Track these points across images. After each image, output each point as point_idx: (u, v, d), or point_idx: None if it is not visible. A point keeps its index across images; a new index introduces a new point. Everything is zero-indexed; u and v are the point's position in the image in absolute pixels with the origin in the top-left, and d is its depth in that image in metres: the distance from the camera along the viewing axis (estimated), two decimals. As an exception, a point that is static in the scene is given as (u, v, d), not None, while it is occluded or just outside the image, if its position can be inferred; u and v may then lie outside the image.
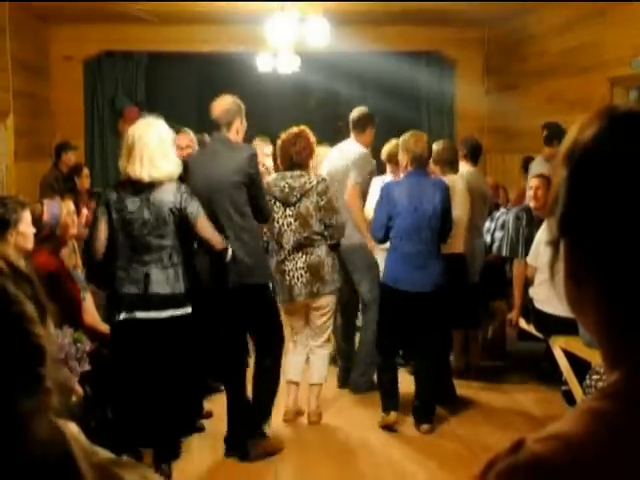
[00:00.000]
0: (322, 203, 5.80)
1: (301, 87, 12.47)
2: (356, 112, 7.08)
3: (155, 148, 4.71)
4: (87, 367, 4.07)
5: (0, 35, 8.99)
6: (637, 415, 0.98)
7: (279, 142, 6.01)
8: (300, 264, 5.82)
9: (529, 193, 6.96)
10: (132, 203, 4.74)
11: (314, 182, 5.82)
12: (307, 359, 6.17)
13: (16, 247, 4.29)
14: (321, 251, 5.85)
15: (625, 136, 1.04)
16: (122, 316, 4.75)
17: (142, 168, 4.67)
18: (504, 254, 7.02)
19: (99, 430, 4.65)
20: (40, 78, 10.82)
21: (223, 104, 5.37)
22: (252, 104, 11.72)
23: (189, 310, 4.85)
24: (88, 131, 11.68)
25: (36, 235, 4.76)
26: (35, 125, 10.39)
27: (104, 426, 4.70)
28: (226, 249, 5.02)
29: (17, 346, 1.02)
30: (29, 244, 4.40)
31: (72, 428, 2.61)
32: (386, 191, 5.93)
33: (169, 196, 4.75)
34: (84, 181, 8.97)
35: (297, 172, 5.84)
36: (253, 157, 5.28)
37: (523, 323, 6.75)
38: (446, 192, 5.92)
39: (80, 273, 5.98)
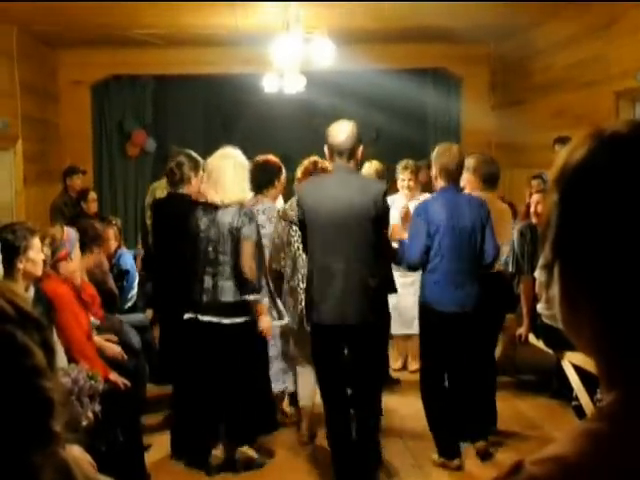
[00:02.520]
0: None
1: (307, 107, 12.51)
2: None
3: (229, 176, 5.43)
4: (98, 407, 4.09)
5: (8, 61, 9.07)
6: (633, 438, 0.97)
7: (301, 168, 6.12)
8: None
9: (532, 209, 6.96)
10: (203, 223, 5.46)
11: None
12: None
13: (25, 274, 4.32)
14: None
15: (613, 157, 1.04)
16: (188, 316, 5.46)
17: (216, 193, 5.41)
18: (510, 270, 7.01)
19: (109, 454, 4.67)
20: (48, 103, 10.90)
21: (347, 130, 5.12)
22: (258, 124, 11.86)
23: (249, 318, 5.42)
24: (96, 154, 11.76)
25: (52, 255, 4.90)
26: (44, 150, 10.46)
27: (114, 450, 4.71)
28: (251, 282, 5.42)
29: (28, 401, 1.03)
30: (38, 271, 4.43)
31: (75, 451, 2.61)
32: (423, 209, 5.66)
33: (229, 217, 5.38)
34: (91, 205, 9.01)
35: None
36: (385, 192, 5.20)
37: (532, 338, 6.75)
38: (485, 209, 5.71)
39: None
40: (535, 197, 7.04)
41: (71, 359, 4.85)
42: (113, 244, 7.20)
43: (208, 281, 5.41)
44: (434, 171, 5.75)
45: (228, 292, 5.38)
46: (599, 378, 1.08)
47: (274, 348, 6.22)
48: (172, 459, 5.66)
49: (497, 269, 7.00)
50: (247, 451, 5.55)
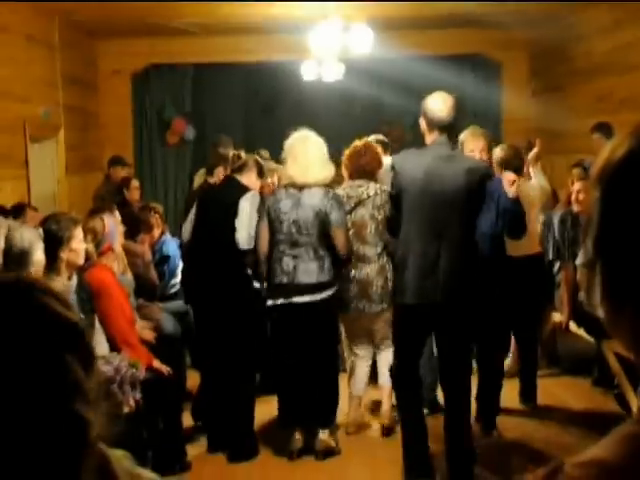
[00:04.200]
0: (379, 216, 5.76)
1: (346, 94, 12.48)
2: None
3: (313, 156, 5.45)
4: (139, 395, 4.14)
5: (50, 51, 9.15)
6: None
7: (347, 153, 6.07)
8: (349, 276, 5.77)
9: (572, 197, 6.92)
10: (285, 205, 5.42)
11: (372, 192, 5.79)
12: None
13: (68, 264, 4.37)
14: (371, 269, 5.78)
15: None
16: (271, 302, 5.48)
17: (301, 175, 5.40)
18: (550, 258, 6.98)
19: (150, 440, 4.74)
20: (89, 92, 10.97)
21: (449, 103, 4.80)
22: (297, 112, 11.84)
23: (330, 293, 5.42)
24: (137, 143, 11.82)
25: (97, 248, 4.98)
26: (85, 139, 10.54)
27: (156, 437, 4.78)
28: (350, 260, 5.57)
29: (62, 423, 1.06)
30: (81, 260, 4.49)
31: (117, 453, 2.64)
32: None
33: (316, 200, 5.38)
34: (134, 193, 9.06)
35: (357, 182, 5.86)
36: (490, 176, 5.00)
37: (573, 326, 6.70)
38: None
39: (130, 277, 6.11)
40: (577, 185, 6.97)
41: (114, 346, 4.92)
42: (156, 231, 7.25)
43: (288, 263, 5.41)
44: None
45: (311, 274, 5.38)
46: None
47: None
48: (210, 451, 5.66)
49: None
50: (327, 438, 5.57)
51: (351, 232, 5.71)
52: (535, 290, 6.41)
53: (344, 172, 6.14)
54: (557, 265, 7.05)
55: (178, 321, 6.63)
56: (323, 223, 5.38)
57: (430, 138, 4.84)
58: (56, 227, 4.37)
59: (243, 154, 5.94)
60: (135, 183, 9.23)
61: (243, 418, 5.51)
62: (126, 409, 4.07)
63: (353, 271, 5.76)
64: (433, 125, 4.76)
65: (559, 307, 6.95)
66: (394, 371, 5.10)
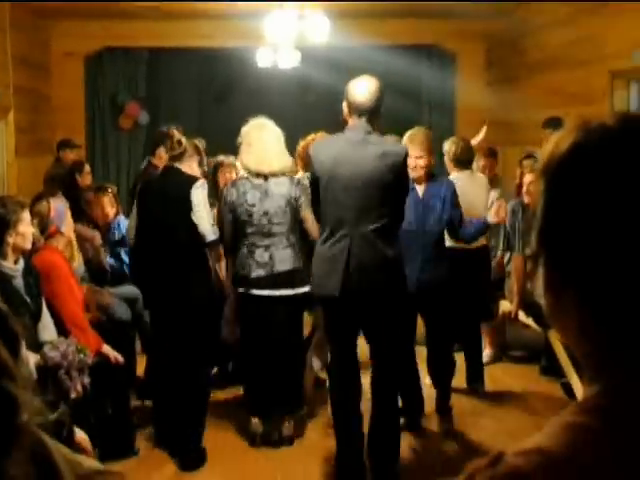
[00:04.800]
0: None
1: (302, 82, 12.45)
2: None
3: (273, 144, 5.41)
4: (87, 380, 4.10)
5: (0, 32, 9.00)
6: (618, 431, 0.97)
7: (302, 144, 6.11)
8: None
9: (524, 189, 6.98)
10: (252, 196, 5.35)
11: None
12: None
13: (15, 247, 4.31)
14: None
15: (599, 149, 1.04)
16: (250, 293, 5.40)
17: (263, 164, 5.34)
18: (501, 248, 7.07)
19: (99, 426, 4.70)
20: (41, 74, 10.83)
21: (370, 88, 4.68)
22: (252, 99, 11.79)
23: (307, 288, 5.29)
24: (89, 127, 11.70)
25: (42, 232, 4.92)
26: (36, 121, 10.41)
27: (104, 422, 4.74)
28: None
29: None
30: (28, 244, 4.43)
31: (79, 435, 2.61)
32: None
33: (285, 188, 5.37)
34: (85, 178, 8.95)
35: None
36: (406, 156, 4.81)
37: (522, 316, 6.77)
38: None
39: (76, 266, 6.03)
40: (528, 177, 7.06)
41: (63, 330, 4.87)
42: (110, 211, 7.16)
43: (262, 254, 5.38)
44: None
45: (287, 261, 5.38)
46: (583, 369, 1.08)
47: None
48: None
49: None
50: (288, 425, 5.56)
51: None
52: (479, 281, 6.57)
53: (299, 163, 6.12)
54: (507, 256, 7.12)
55: (129, 306, 6.58)
56: (294, 209, 5.41)
57: (350, 122, 4.72)
58: (3, 210, 4.31)
59: (184, 140, 5.61)
60: (88, 168, 9.13)
61: (193, 418, 5.33)
62: (73, 394, 4.02)
63: None
64: (352, 109, 4.66)
65: (509, 296, 7.01)
66: (329, 366, 5.07)
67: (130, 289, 6.59)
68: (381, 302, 4.68)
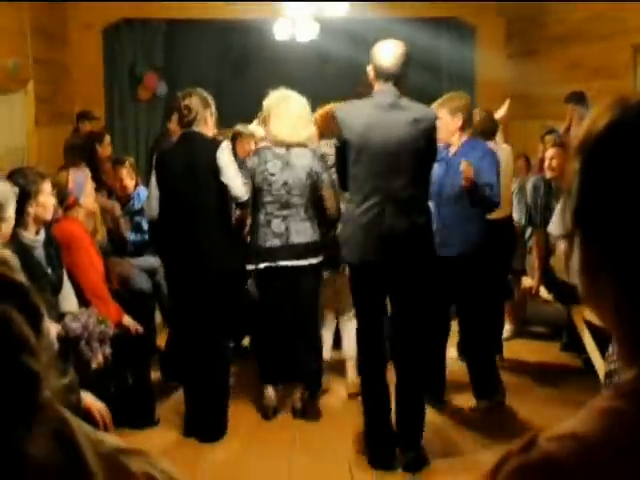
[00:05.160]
0: None
1: (320, 55, 12.37)
2: None
3: (298, 114, 5.36)
4: (108, 350, 4.09)
5: (18, 3, 8.96)
6: None
7: (320, 113, 5.94)
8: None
9: (546, 163, 6.91)
10: (273, 166, 5.30)
11: None
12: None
13: (36, 218, 4.30)
14: None
15: (637, 126, 1.01)
16: (264, 265, 5.35)
17: (286, 133, 5.29)
18: (522, 223, 7.01)
19: (119, 395, 4.71)
20: (59, 46, 10.78)
21: (396, 52, 4.59)
22: (269, 71, 11.73)
23: (321, 258, 5.42)
24: (108, 98, 11.66)
25: (61, 203, 4.90)
26: (55, 92, 10.37)
27: (124, 392, 4.75)
28: (337, 221, 5.41)
29: (8, 379, 1.00)
30: (48, 215, 4.42)
31: (88, 399, 2.61)
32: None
33: (307, 161, 5.32)
34: (106, 149, 8.92)
35: (333, 140, 5.54)
36: (436, 122, 4.79)
37: (544, 292, 6.73)
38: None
39: (99, 239, 6.03)
40: (550, 151, 6.99)
41: (84, 300, 4.87)
42: (129, 183, 7.12)
43: (279, 224, 5.33)
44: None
45: (304, 233, 5.34)
46: (618, 353, 1.05)
47: None
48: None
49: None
50: (302, 396, 5.56)
51: None
52: (503, 252, 6.46)
53: (316, 131, 6.05)
54: (529, 231, 7.07)
55: (149, 277, 6.58)
56: (314, 184, 5.34)
57: (376, 87, 4.64)
58: (23, 181, 4.30)
59: (194, 103, 5.26)
60: (107, 139, 9.10)
61: (216, 391, 5.27)
62: (94, 365, 4.03)
63: (333, 232, 5.66)
64: (379, 74, 4.57)
65: (530, 272, 6.97)
66: (358, 333, 4.97)
67: (150, 260, 6.57)
68: (411, 270, 4.64)
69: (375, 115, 4.54)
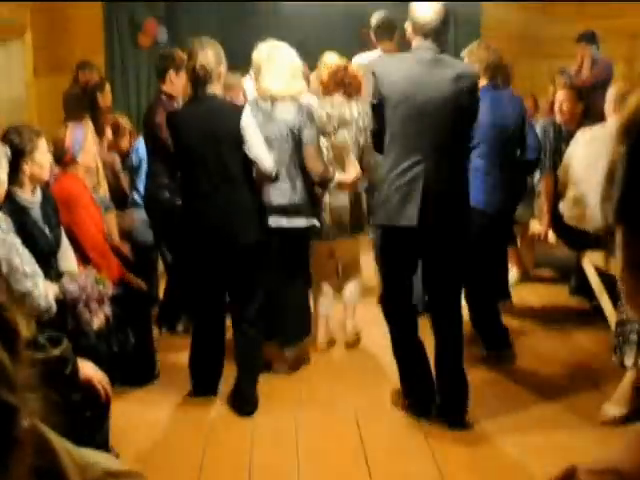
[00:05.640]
0: (362, 140, 5.49)
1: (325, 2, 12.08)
2: (377, 18, 6.85)
3: (288, 66, 5.11)
4: (107, 309, 4.01)
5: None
6: None
7: (327, 71, 5.68)
8: (330, 200, 5.49)
9: (556, 106, 6.77)
10: (257, 119, 4.94)
11: (356, 113, 5.51)
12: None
13: (32, 177, 4.21)
14: (349, 196, 5.52)
15: None
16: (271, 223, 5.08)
17: (273, 85, 5.05)
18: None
19: (121, 354, 4.66)
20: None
21: (436, 7, 4.37)
22: (274, 20, 11.50)
23: (314, 223, 5.21)
24: (108, 45, 11.46)
25: (58, 160, 4.80)
26: (54, 40, 10.18)
27: (127, 351, 4.70)
28: (327, 181, 5.23)
29: None
30: (45, 173, 4.32)
31: (88, 369, 2.53)
32: None
33: (290, 116, 5.04)
34: (107, 98, 8.79)
35: (338, 99, 5.55)
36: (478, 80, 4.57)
37: (552, 237, 6.63)
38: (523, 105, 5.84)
39: (102, 194, 5.94)
40: (560, 94, 6.88)
41: (85, 258, 4.80)
42: (125, 140, 7.00)
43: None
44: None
45: (283, 194, 5.08)
46: None
47: None
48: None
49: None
50: (296, 350, 5.49)
51: (331, 155, 5.47)
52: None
53: (319, 84, 5.83)
54: (537, 175, 6.94)
55: (151, 227, 6.50)
56: (296, 140, 5.07)
57: (414, 43, 4.44)
58: (18, 139, 4.18)
59: (208, 58, 4.75)
60: (107, 88, 8.96)
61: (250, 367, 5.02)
62: (95, 326, 3.96)
63: (328, 197, 5.49)
64: (417, 29, 4.36)
65: (538, 216, 6.87)
66: (383, 299, 4.78)
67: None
68: (448, 234, 4.45)
69: (417, 71, 4.32)
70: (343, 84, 5.56)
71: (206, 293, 4.91)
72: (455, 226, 4.44)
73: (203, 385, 5.02)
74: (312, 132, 5.10)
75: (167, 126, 4.94)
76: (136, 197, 6.77)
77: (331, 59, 5.95)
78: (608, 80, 9.08)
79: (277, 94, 5.08)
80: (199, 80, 4.76)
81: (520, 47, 10.75)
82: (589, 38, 9.27)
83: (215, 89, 4.81)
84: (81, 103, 8.58)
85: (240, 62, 6.37)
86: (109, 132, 6.55)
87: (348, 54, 6.58)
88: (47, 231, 4.27)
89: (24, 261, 3.66)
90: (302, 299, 5.59)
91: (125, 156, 6.96)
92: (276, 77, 5.08)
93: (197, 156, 4.73)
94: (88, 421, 2.96)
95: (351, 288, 5.92)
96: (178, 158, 4.89)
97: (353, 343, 5.89)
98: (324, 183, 5.27)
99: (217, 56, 4.80)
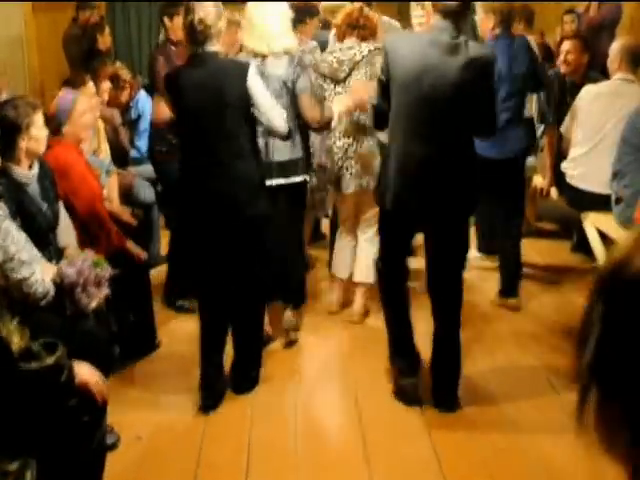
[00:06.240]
0: (382, 76, 4.88)
1: None
2: None
3: (277, 23, 4.95)
4: (106, 291, 3.98)
5: None
6: None
7: (342, 15, 5.46)
8: (350, 153, 5.38)
9: (560, 57, 6.65)
10: None
11: (365, 52, 5.29)
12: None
13: (28, 152, 4.16)
14: (373, 141, 5.40)
15: None
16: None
17: (263, 42, 4.92)
18: (535, 119, 6.80)
19: (121, 333, 4.68)
20: None
21: None
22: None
23: (307, 177, 5.16)
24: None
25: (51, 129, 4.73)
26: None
27: (126, 329, 4.71)
28: (325, 127, 5.10)
29: None
30: (42, 147, 4.24)
31: (83, 369, 2.52)
32: None
33: (281, 69, 4.92)
34: (107, 39, 8.67)
35: (347, 43, 5.37)
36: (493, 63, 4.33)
37: (554, 193, 6.59)
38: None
39: (102, 157, 5.88)
40: (565, 45, 6.73)
41: (84, 228, 4.77)
42: (125, 93, 6.89)
43: (259, 140, 4.77)
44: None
45: (281, 150, 4.97)
46: None
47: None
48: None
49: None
50: (293, 316, 5.42)
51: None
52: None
53: (337, 33, 5.59)
54: (541, 128, 6.87)
55: (152, 185, 6.49)
56: (292, 93, 4.92)
57: (432, 21, 4.19)
58: (14, 113, 4.09)
59: (209, 14, 4.43)
60: (107, 29, 8.83)
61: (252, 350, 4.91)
62: (93, 305, 3.95)
63: (355, 145, 5.38)
64: (437, 8, 4.10)
65: (541, 171, 6.82)
66: (379, 266, 4.74)
67: (151, 168, 6.42)
68: (449, 220, 4.35)
69: (428, 54, 4.08)
70: (357, 26, 5.38)
71: (209, 272, 4.67)
72: (454, 217, 4.35)
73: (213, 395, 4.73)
74: (305, 80, 4.95)
75: (165, 88, 4.69)
76: (135, 153, 6.74)
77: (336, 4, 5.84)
78: (617, 20, 8.93)
79: (268, 52, 4.93)
80: (197, 37, 4.43)
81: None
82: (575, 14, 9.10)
83: (215, 46, 4.49)
84: (80, 44, 8.49)
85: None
86: (107, 85, 6.42)
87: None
88: (45, 207, 4.22)
89: (20, 248, 3.64)
90: (299, 260, 5.54)
91: (125, 110, 6.87)
92: (263, 37, 4.92)
93: (199, 125, 4.44)
94: (85, 425, 2.97)
95: (366, 263, 5.63)
96: (178, 124, 4.69)
97: (358, 321, 5.74)
98: (325, 127, 5.13)
99: (217, 10, 4.49)
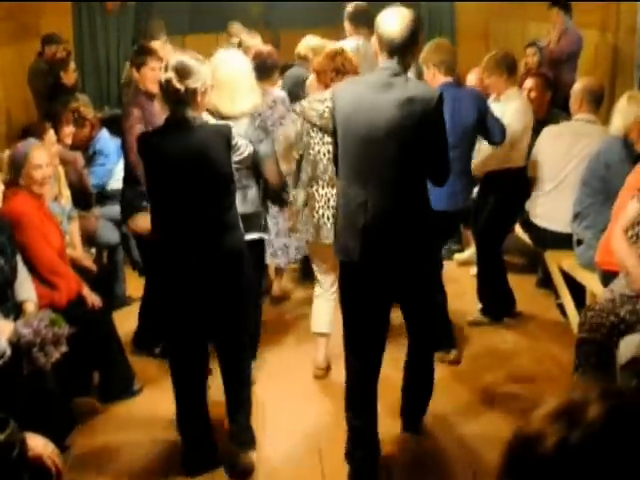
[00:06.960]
0: None
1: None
2: (351, 6, 6.81)
3: (244, 84, 4.95)
4: (64, 349, 3.94)
5: None
6: None
7: (318, 57, 5.32)
8: (332, 202, 5.02)
9: (523, 94, 6.64)
10: None
11: None
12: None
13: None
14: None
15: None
16: None
17: (233, 105, 4.88)
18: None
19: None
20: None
21: (403, 20, 3.97)
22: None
23: (258, 236, 5.05)
24: (75, 11, 11.16)
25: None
26: (19, 6, 9.88)
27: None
28: (285, 186, 5.15)
29: None
30: (-2, 202, 4.23)
31: (36, 441, 2.44)
32: None
33: (242, 130, 4.77)
34: (71, 76, 8.66)
35: (323, 95, 5.09)
36: (441, 103, 3.98)
37: (520, 231, 6.62)
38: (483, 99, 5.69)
39: (64, 203, 5.86)
40: (528, 82, 6.89)
41: (43, 278, 4.73)
42: (85, 131, 6.89)
43: None
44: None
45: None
46: None
47: (274, 226, 6.01)
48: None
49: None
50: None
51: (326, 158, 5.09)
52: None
53: (316, 79, 5.33)
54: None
55: (115, 226, 6.46)
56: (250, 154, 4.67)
57: (380, 61, 4.03)
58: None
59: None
60: (73, 65, 8.82)
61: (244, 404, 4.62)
62: (51, 364, 3.91)
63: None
64: (382, 45, 3.97)
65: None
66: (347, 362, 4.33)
67: (115, 209, 6.35)
68: (404, 268, 4.10)
69: (364, 95, 3.95)
70: (343, 70, 5.09)
71: (185, 334, 4.31)
72: (409, 262, 4.09)
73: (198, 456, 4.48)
74: (268, 144, 4.94)
75: (138, 151, 4.23)
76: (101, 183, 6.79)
77: (315, 42, 5.78)
78: (577, 52, 9.02)
79: (239, 112, 4.88)
80: (172, 98, 4.04)
81: (493, 7, 10.67)
82: (564, 4, 9.16)
83: (194, 110, 4.09)
84: (45, 80, 8.49)
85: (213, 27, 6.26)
86: (69, 130, 6.42)
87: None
88: (3, 262, 4.20)
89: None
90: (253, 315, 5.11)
91: (86, 148, 6.88)
92: (228, 96, 4.86)
93: (174, 195, 4.09)
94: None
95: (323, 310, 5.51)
96: (150, 189, 4.28)
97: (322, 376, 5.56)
98: (280, 191, 5.19)
99: (196, 66, 4.07)
